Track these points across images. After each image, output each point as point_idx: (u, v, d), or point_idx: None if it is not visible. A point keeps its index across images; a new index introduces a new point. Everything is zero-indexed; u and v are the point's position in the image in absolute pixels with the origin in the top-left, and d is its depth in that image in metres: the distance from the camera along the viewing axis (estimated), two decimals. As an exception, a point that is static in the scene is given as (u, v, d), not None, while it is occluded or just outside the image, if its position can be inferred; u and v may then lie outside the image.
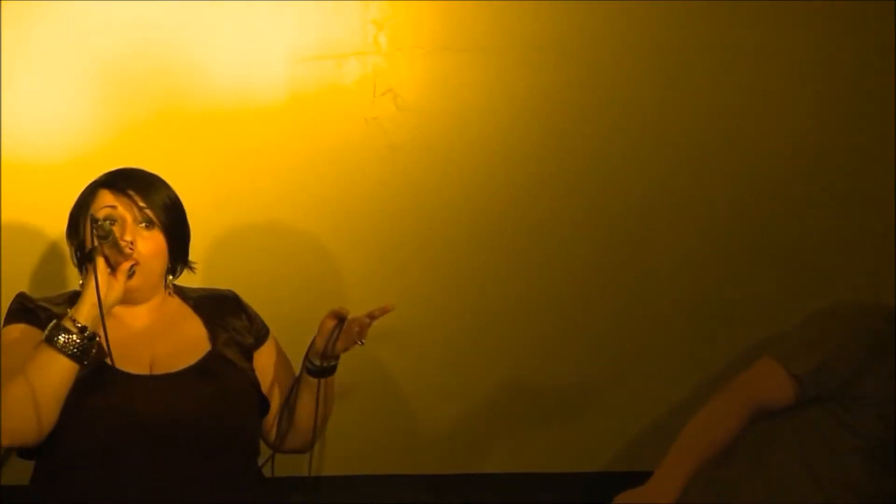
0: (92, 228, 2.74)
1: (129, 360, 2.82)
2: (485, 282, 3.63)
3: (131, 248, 2.80)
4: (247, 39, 3.48)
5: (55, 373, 2.70)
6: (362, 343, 2.90)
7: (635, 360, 3.67)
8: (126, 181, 2.89)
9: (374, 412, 3.57)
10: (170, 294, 2.98)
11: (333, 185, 3.55)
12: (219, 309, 3.01)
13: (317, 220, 3.56)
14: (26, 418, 2.70)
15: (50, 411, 2.72)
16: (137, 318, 2.91)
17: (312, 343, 2.95)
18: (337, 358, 2.95)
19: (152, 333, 2.91)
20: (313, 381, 2.95)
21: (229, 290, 3.08)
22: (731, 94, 3.68)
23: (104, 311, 2.71)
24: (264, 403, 2.99)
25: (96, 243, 2.72)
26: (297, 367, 3.03)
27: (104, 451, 2.76)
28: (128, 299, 2.85)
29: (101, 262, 2.73)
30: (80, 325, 2.70)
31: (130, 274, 2.80)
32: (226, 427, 2.84)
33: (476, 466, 3.64)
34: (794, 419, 3.20)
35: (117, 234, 2.79)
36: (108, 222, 2.77)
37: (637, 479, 2.97)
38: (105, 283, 2.73)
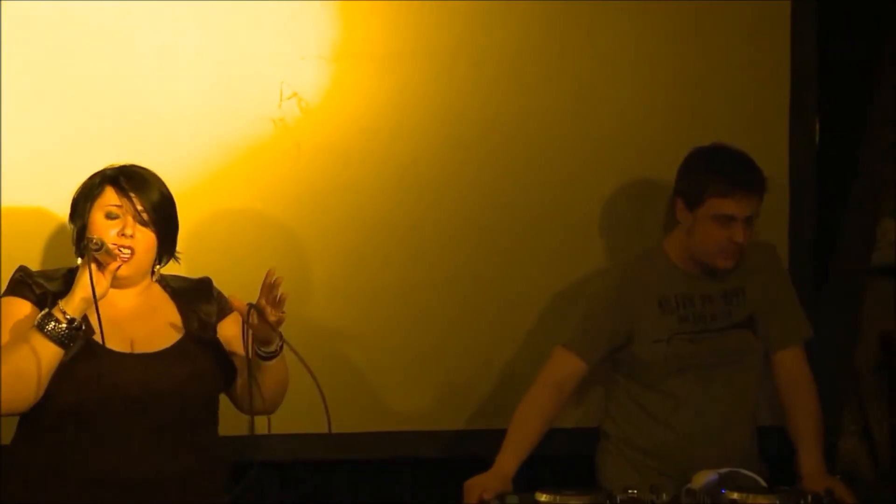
0: (88, 245, 3.03)
1: (113, 338, 3.11)
2: (383, 270, 3.87)
3: (120, 251, 3.10)
4: (166, 46, 3.72)
5: (42, 356, 3.01)
6: (282, 314, 3.05)
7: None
8: (129, 181, 3.17)
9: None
10: (154, 281, 3.25)
11: (243, 181, 3.77)
12: (194, 296, 3.27)
13: (227, 214, 3.78)
14: (15, 393, 3.03)
15: (38, 388, 3.03)
16: (125, 299, 3.19)
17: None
18: (272, 343, 3.09)
19: (135, 316, 3.19)
20: (264, 363, 3.15)
21: (206, 277, 3.34)
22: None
23: (92, 303, 3.02)
24: (232, 371, 3.24)
25: (92, 255, 3.03)
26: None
27: (87, 416, 3.07)
28: (119, 284, 3.15)
29: (94, 266, 3.04)
30: (68, 317, 3.01)
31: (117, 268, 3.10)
32: (194, 403, 3.16)
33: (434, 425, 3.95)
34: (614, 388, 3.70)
35: (119, 228, 3.12)
36: (98, 239, 3.05)
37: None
38: (95, 280, 3.02)
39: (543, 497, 3.27)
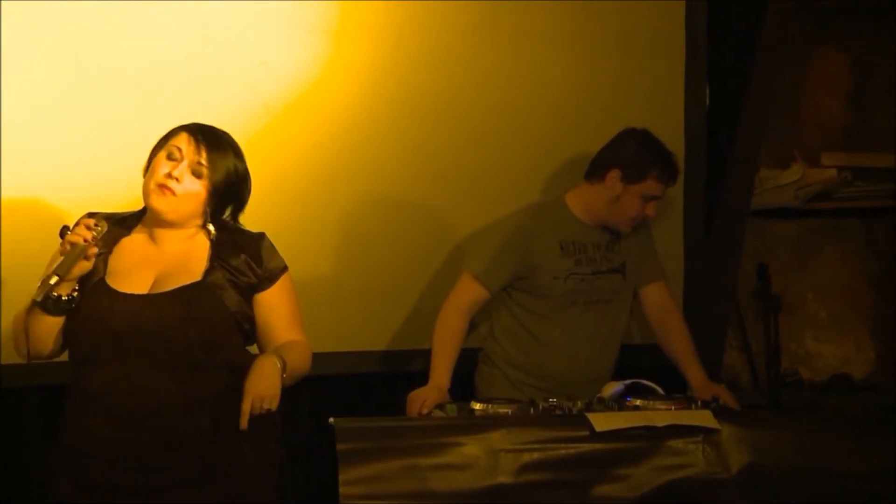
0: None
1: (132, 278, 3.12)
2: (342, 214, 4.22)
3: (162, 189, 3.06)
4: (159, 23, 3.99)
5: (36, 323, 3.11)
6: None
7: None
8: (204, 134, 3.12)
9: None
10: (203, 227, 3.17)
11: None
12: (232, 248, 3.16)
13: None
14: (33, 346, 3.11)
15: (45, 343, 3.14)
16: (170, 242, 3.15)
17: None
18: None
19: (167, 258, 3.14)
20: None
21: (259, 233, 3.22)
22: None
23: (71, 277, 3.05)
24: (253, 332, 3.20)
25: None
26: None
27: (86, 356, 3.12)
28: (163, 223, 3.14)
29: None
30: (54, 294, 3.06)
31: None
32: (185, 346, 3.07)
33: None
34: (506, 306, 4.03)
35: (171, 169, 3.07)
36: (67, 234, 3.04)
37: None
38: (78, 265, 3.06)
39: (477, 406, 3.61)
